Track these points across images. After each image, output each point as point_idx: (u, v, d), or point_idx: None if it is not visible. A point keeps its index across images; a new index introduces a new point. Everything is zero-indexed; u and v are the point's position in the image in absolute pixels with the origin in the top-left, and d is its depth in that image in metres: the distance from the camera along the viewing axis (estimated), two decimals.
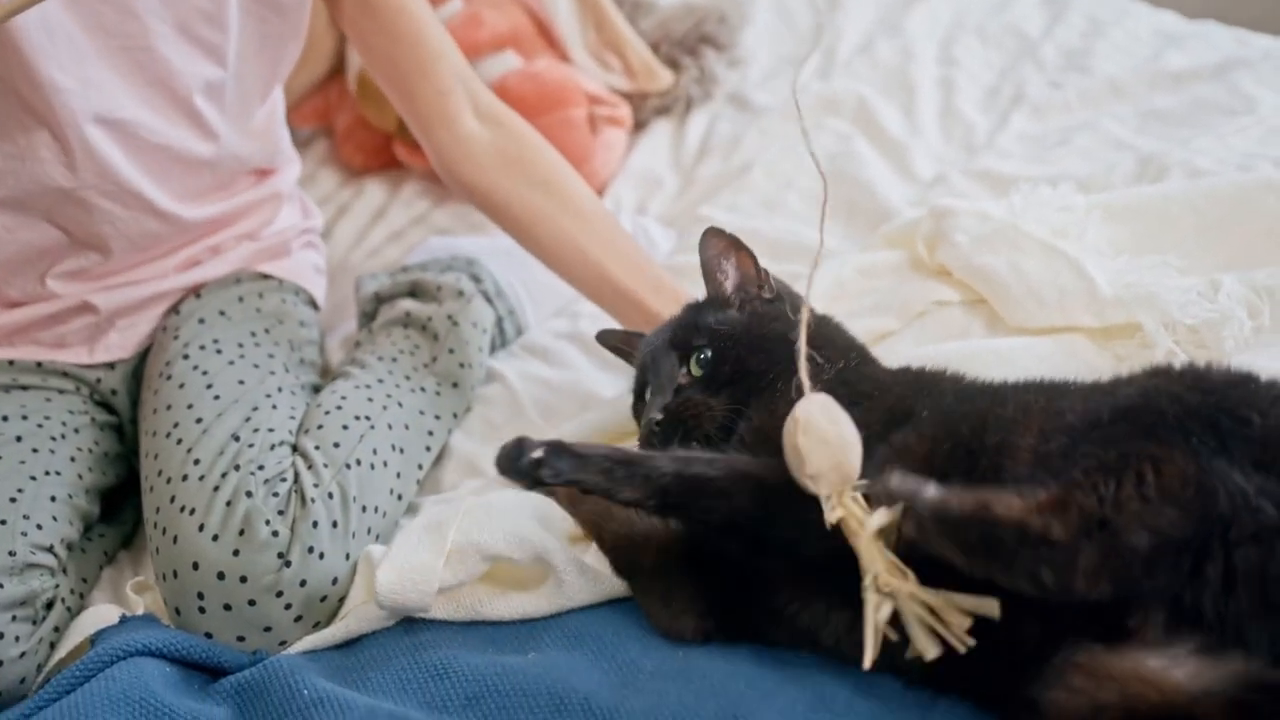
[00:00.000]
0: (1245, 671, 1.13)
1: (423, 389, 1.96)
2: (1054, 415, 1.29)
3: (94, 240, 1.88)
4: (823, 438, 1.25)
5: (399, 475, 1.84)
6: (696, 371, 1.60)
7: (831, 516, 1.23)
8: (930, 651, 1.16)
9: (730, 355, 1.60)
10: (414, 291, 2.16)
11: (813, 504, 1.25)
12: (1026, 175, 2.27)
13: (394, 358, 1.98)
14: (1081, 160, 2.36)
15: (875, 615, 1.18)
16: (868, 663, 1.16)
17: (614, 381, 2.09)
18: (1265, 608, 1.12)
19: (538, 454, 1.37)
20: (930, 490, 1.18)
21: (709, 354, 1.60)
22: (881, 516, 1.21)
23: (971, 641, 1.16)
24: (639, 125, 2.86)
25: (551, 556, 1.59)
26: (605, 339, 1.92)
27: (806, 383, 1.27)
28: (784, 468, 1.28)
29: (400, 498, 1.84)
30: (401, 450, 1.86)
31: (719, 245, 1.74)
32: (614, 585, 1.61)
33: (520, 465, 1.38)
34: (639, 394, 1.71)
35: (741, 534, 1.40)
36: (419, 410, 1.93)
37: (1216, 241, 1.94)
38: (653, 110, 2.86)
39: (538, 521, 1.65)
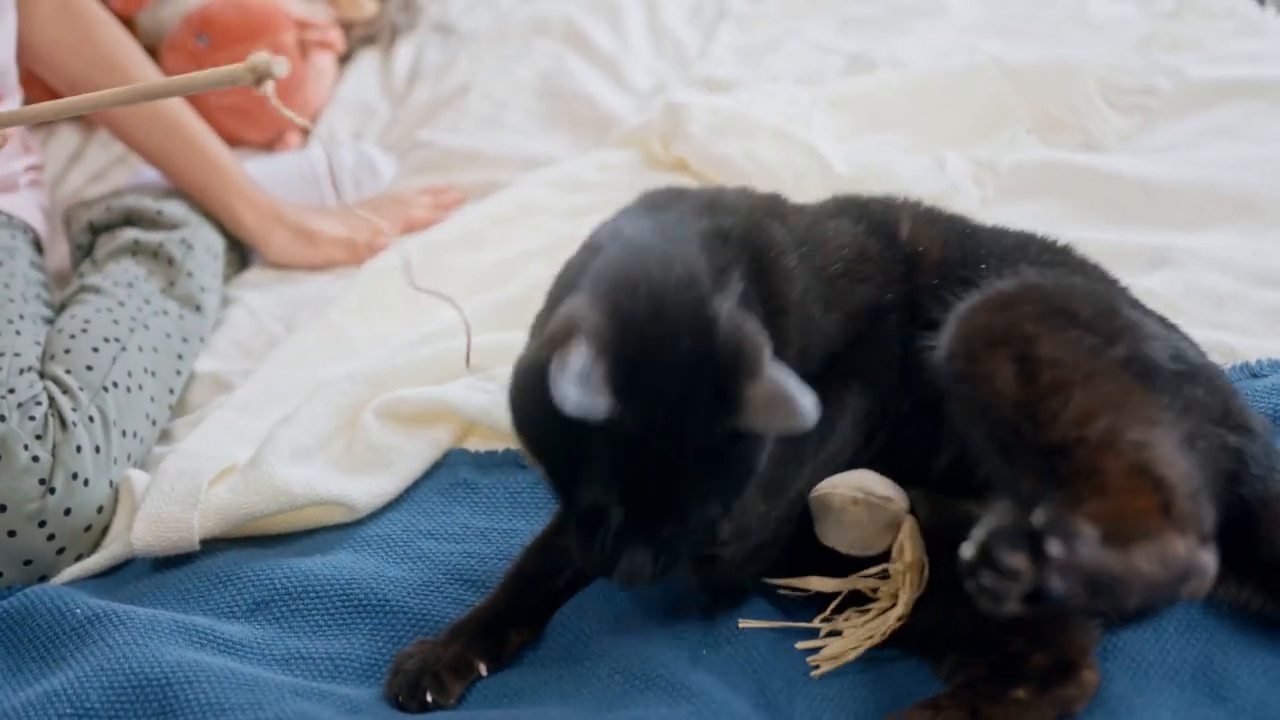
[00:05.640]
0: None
1: (165, 313, 1.88)
2: None
3: None
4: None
5: (153, 399, 1.76)
6: None
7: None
8: None
9: None
10: (131, 219, 2.06)
11: None
12: (744, 79, 2.34)
13: (129, 283, 1.89)
14: (794, 63, 2.46)
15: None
16: None
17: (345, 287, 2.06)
18: None
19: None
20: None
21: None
22: None
23: None
24: (345, 56, 2.80)
25: (323, 496, 1.56)
26: None
27: None
28: None
29: (154, 423, 1.76)
30: (154, 374, 1.78)
31: None
32: (402, 480, 1.60)
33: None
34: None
35: None
36: (165, 334, 1.85)
37: (934, 123, 2.07)
38: (358, 40, 2.81)
39: (295, 457, 1.61)
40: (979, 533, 0.99)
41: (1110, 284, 1.37)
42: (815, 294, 1.28)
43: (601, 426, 1.10)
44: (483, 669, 1.31)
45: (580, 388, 1.06)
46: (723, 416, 1.13)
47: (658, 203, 1.37)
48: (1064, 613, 1.14)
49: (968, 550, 0.99)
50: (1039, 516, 0.99)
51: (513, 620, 1.34)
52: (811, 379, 1.13)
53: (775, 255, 1.28)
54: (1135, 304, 1.33)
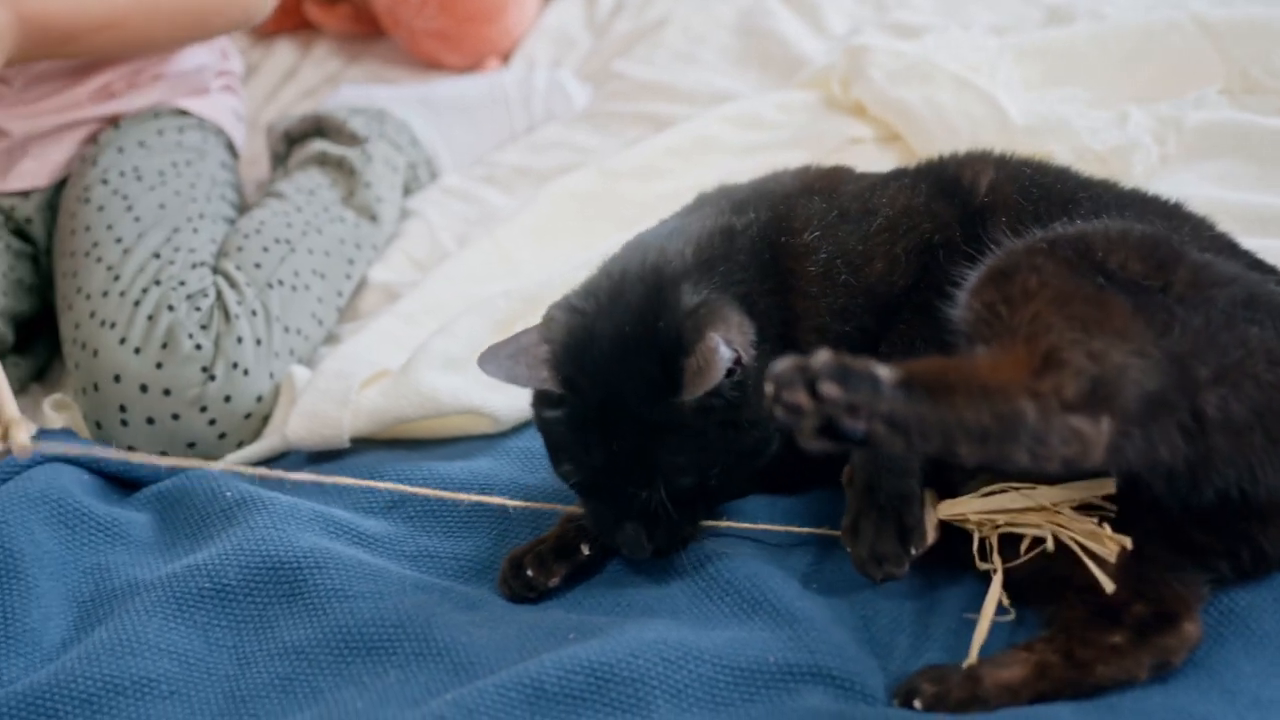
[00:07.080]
0: None
1: (341, 220, 1.96)
2: None
3: None
4: None
5: (320, 300, 1.85)
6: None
7: None
8: None
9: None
10: (322, 130, 2.15)
11: None
12: (939, 26, 2.30)
13: (311, 190, 1.98)
14: (991, 12, 2.40)
15: None
16: None
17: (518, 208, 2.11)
18: None
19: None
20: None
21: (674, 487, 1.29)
22: None
23: None
24: None
25: (468, 406, 1.61)
26: None
27: None
28: None
29: (321, 323, 1.84)
30: (323, 276, 1.86)
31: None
32: None
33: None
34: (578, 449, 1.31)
35: None
36: (339, 239, 1.93)
37: (1122, 77, 2.01)
38: None
39: (447, 366, 1.66)
40: (770, 371, 1.02)
41: (1196, 230, 1.32)
42: (847, 257, 1.34)
43: (558, 405, 1.28)
44: (585, 550, 1.35)
45: (509, 365, 1.28)
46: (667, 393, 1.24)
47: (700, 201, 1.48)
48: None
49: (767, 388, 1.02)
50: (817, 358, 1.01)
51: None
52: (863, 329, 1.29)
53: (792, 238, 1.36)
54: (1236, 253, 1.30)
